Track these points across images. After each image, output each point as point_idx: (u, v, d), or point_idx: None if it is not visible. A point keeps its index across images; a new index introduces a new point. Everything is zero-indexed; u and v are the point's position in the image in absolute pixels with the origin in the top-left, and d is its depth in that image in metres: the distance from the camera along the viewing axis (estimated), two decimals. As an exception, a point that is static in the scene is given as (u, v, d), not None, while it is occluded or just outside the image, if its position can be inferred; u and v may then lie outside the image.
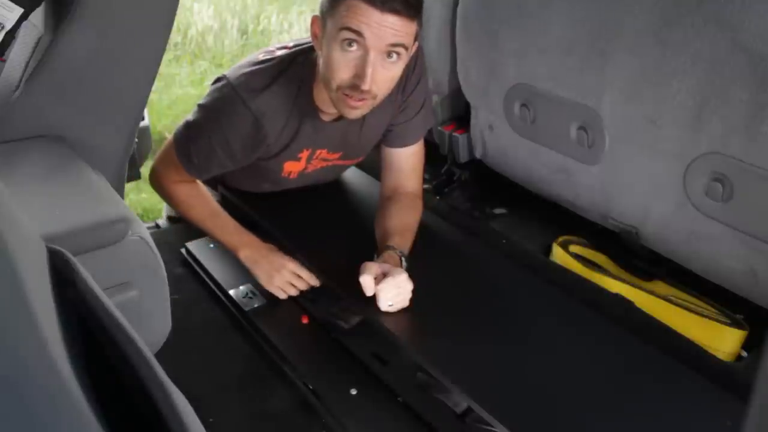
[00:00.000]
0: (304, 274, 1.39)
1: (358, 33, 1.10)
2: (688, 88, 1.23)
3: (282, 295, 1.39)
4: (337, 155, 1.47)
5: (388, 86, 1.20)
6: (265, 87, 1.27)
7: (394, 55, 1.14)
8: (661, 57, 1.26)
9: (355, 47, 1.12)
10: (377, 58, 1.13)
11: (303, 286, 1.39)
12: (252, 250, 1.40)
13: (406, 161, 1.48)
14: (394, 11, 1.09)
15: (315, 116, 1.33)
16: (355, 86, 1.15)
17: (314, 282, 1.39)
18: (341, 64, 1.15)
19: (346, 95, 1.17)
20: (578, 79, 1.44)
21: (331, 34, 1.14)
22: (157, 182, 1.46)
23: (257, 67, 1.29)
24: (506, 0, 1.57)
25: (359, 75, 1.13)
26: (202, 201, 1.45)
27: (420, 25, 1.17)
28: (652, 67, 1.28)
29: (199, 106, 1.34)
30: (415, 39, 1.18)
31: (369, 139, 1.45)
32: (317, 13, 1.19)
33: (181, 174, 1.40)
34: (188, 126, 1.36)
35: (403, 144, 1.46)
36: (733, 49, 1.15)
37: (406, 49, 1.15)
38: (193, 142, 1.35)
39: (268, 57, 1.30)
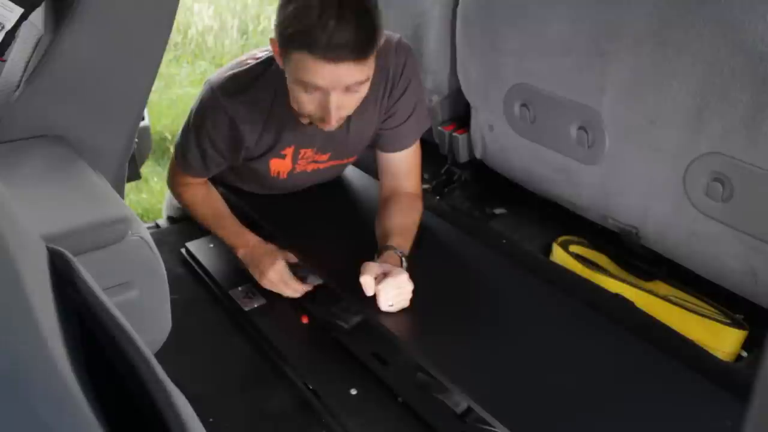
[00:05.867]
0: (296, 275, 1.39)
1: (314, 84, 1.12)
2: (688, 89, 1.23)
3: (276, 291, 1.39)
4: (325, 156, 1.46)
5: (355, 105, 1.21)
6: (241, 91, 1.30)
7: (356, 87, 1.15)
8: (661, 57, 1.26)
9: (314, 91, 1.14)
10: (339, 94, 1.14)
11: (296, 288, 1.38)
12: (249, 249, 1.41)
13: (402, 164, 1.45)
14: (344, 59, 1.09)
15: (293, 119, 1.33)
16: (322, 118, 1.18)
17: (307, 284, 1.39)
18: (305, 102, 1.17)
19: (317, 121, 1.21)
20: (578, 79, 1.44)
21: (290, 77, 1.16)
22: (170, 187, 1.55)
23: (237, 71, 1.32)
24: (506, 0, 1.57)
25: (324, 112, 1.16)
26: (207, 203, 1.51)
27: (376, 51, 1.14)
28: (652, 67, 1.28)
29: (191, 110, 1.40)
30: (377, 55, 1.16)
31: (358, 139, 1.43)
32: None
33: (185, 177, 1.48)
34: (182, 131, 1.43)
35: (396, 148, 1.44)
36: (733, 49, 1.15)
37: (368, 78, 1.16)
38: (187, 145, 1.41)
39: (250, 61, 1.33)
